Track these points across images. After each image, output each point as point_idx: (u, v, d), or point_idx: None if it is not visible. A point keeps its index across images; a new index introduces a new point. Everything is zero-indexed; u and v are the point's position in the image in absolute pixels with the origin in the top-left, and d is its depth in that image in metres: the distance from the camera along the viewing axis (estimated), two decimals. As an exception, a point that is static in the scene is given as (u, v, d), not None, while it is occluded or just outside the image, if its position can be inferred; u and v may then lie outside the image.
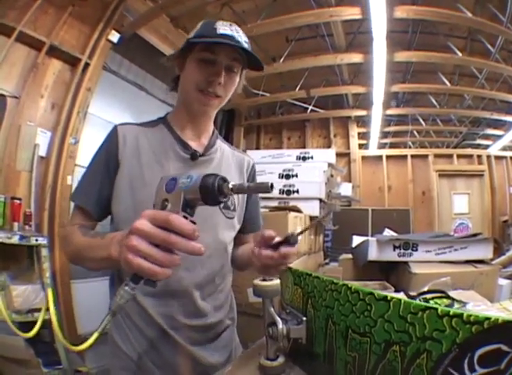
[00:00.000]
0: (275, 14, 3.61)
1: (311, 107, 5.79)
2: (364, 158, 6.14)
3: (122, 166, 0.97)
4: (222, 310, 1.09)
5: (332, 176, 3.78)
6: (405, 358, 0.53)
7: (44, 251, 2.44)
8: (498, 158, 5.97)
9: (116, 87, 3.92)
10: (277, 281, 0.79)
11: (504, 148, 6.20)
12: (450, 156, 5.96)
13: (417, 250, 1.63)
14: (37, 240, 2.41)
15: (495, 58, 4.26)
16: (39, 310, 2.29)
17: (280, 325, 0.75)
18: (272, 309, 0.78)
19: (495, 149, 6.24)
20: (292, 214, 2.73)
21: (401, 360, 0.53)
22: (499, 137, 6.09)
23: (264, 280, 0.79)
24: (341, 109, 5.94)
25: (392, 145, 6.84)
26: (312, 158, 3.75)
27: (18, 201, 2.67)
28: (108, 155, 0.98)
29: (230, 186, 0.58)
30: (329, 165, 3.71)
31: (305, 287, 0.78)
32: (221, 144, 1.15)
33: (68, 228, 0.97)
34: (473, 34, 4.44)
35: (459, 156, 5.94)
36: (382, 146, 6.56)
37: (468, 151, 6.17)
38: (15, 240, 2.30)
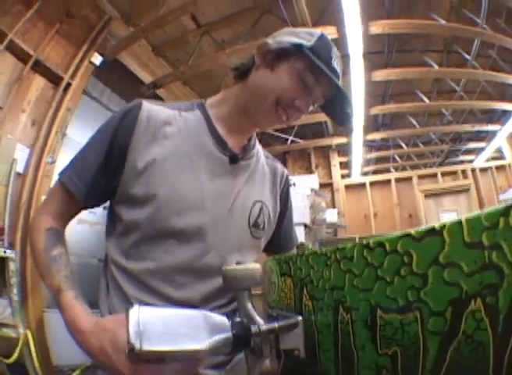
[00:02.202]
0: (254, 39, 3.52)
1: (291, 138, 5.64)
2: (347, 186, 6.00)
3: (134, 155, 0.72)
4: None
5: (315, 202, 3.60)
6: (498, 314, 0.27)
7: (12, 266, 2.26)
8: (483, 170, 5.84)
9: (97, 114, 3.77)
10: (256, 265, 0.51)
11: (488, 160, 6.08)
12: (435, 175, 5.83)
13: None
14: (5, 252, 2.24)
15: (472, 65, 4.20)
16: (5, 325, 2.09)
17: (264, 327, 0.47)
18: (251, 306, 0.49)
19: (479, 162, 6.11)
20: None
21: (491, 323, 0.27)
22: (482, 149, 5.98)
23: (238, 263, 0.52)
24: (321, 138, 5.81)
25: (375, 172, 6.70)
26: (294, 185, 3.56)
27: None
28: (118, 136, 0.73)
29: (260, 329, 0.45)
30: (312, 190, 3.52)
31: (297, 274, 0.50)
32: (258, 148, 0.91)
33: (37, 220, 0.74)
34: (449, 46, 4.45)
35: (443, 174, 5.82)
36: (364, 174, 6.43)
37: (452, 167, 6.05)
38: None
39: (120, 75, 3.84)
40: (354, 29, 3.30)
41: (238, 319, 0.46)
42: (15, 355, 2.05)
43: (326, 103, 0.80)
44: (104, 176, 0.73)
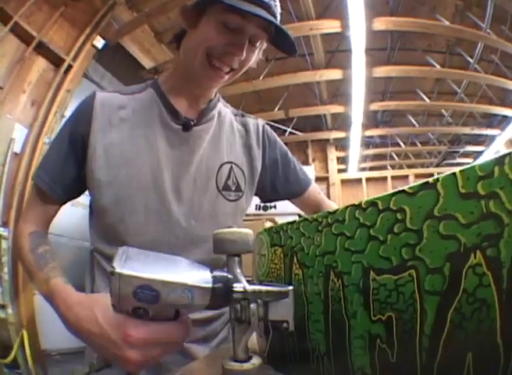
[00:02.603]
0: None
1: (289, 129, 5.61)
2: (343, 181, 5.96)
3: (94, 141, 0.73)
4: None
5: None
6: (501, 267, 0.25)
7: (4, 244, 2.23)
8: (480, 173, 5.80)
9: None
10: (248, 231, 0.49)
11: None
12: (431, 175, 5.66)
13: None
14: None
15: (474, 68, 4.19)
16: None
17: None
18: (240, 272, 0.47)
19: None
20: (269, 223, 2.49)
21: (494, 277, 0.26)
22: (480, 153, 5.98)
23: (229, 227, 0.49)
24: (319, 132, 5.78)
25: (372, 168, 6.66)
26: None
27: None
28: (77, 127, 0.75)
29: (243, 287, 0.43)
30: None
31: (288, 243, 0.48)
32: (222, 109, 0.88)
33: (19, 228, 0.76)
34: (452, 48, 4.42)
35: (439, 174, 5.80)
36: (361, 170, 6.40)
37: (449, 169, 5.99)
38: None
39: (121, 60, 3.81)
40: (358, 24, 3.28)
41: (222, 273, 0.45)
42: (11, 356, 2.05)
43: (274, 36, 0.74)
44: (72, 167, 0.75)
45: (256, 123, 0.94)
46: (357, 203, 0.36)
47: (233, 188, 0.81)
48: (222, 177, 0.80)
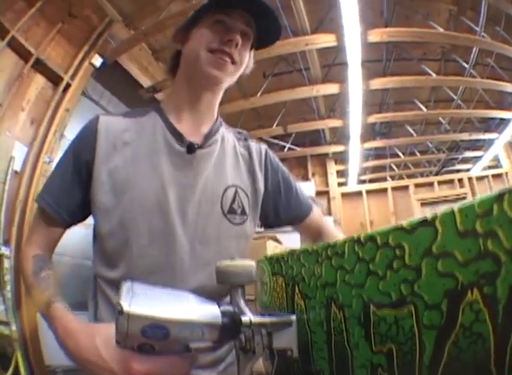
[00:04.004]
0: None
1: (288, 145, 5.67)
2: (343, 195, 5.97)
3: (98, 167, 0.74)
4: None
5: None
6: (497, 304, 0.26)
7: (7, 263, 2.26)
8: (479, 178, 5.81)
9: None
10: (251, 262, 0.50)
11: (484, 168, 6.08)
12: (431, 184, 5.83)
13: None
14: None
15: (470, 74, 4.24)
16: None
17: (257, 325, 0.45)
18: (244, 303, 0.48)
19: (476, 171, 6.09)
20: (271, 242, 2.47)
21: (490, 313, 0.26)
22: (479, 158, 5.99)
23: (232, 259, 0.50)
24: (318, 146, 5.82)
25: (372, 180, 6.65)
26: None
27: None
28: (81, 152, 0.76)
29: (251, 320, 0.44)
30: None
31: (289, 273, 0.49)
32: (224, 133, 0.89)
33: (23, 250, 0.77)
34: (447, 55, 4.46)
35: (440, 183, 5.82)
36: (361, 182, 6.40)
37: (449, 176, 6.04)
38: None
39: (120, 78, 3.83)
40: (353, 37, 3.33)
41: (229, 308, 0.45)
42: (10, 371, 2.06)
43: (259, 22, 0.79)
44: (77, 191, 0.76)
45: (259, 147, 0.94)
46: (356, 237, 0.37)
47: (239, 212, 0.81)
48: (227, 200, 0.79)
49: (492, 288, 0.26)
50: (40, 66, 3.08)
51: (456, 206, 0.29)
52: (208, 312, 0.44)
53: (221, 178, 0.81)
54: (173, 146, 0.78)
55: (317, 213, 0.98)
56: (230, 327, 0.43)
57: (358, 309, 0.36)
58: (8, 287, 2.21)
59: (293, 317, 0.46)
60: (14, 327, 2.14)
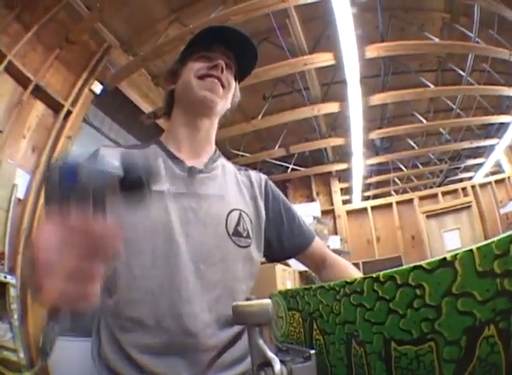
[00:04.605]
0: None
1: (291, 166, 5.75)
2: (349, 212, 6.00)
3: None
4: (244, 362, 0.77)
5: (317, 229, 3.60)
6: (510, 337, 0.29)
7: (13, 291, 2.24)
8: (483, 185, 5.80)
9: (98, 143, 3.70)
10: (267, 301, 0.51)
11: (487, 175, 6.09)
12: (435, 196, 5.84)
13: None
14: (5, 277, 2.24)
15: (467, 82, 4.29)
16: (6, 348, 2.09)
17: (277, 365, 0.44)
18: (262, 342, 0.49)
19: (478, 178, 6.11)
20: (279, 266, 2.48)
21: (504, 345, 0.29)
22: (481, 165, 6.04)
23: (248, 299, 0.51)
24: (321, 165, 5.88)
25: (376, 196, 6.70)
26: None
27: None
28: None
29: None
30: (314, 218, 3.53)
31: (305, 309, 0.50)
32: (224, 163, 0.94)
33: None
34: (443, 65, 4.53)
35: (444, 193, 5.83)
36: (365, 199, 6.44)
37: (452, 186, 6.05)
38: None
39: (120, 104, 3.86)
40: (351, 54, 3.40)
41: None
42: None
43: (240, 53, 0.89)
44: None
45: (259, 176, 0.98)
46: (374, 276, 0.38)
47: (244, 234, 0.81)
48: (231, 223, 0.80)
49: (506, 323, 0.29)
50: (39, 93, 3.11)
51: (474, 246, 0.31)
52: None
53: (224, 201, 0.83)
54: (174, 171, 0.81)
55: (319, 241, 0.99)
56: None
57: (379, 346, 0.37)
58: (16, 316, 2.20)
59: (313, 351, 0.47)
60: (22, 354, 2.13)
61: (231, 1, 3.42)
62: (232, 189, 0.88)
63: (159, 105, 3.84)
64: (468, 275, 0.31)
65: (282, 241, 0.92)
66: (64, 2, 3.34)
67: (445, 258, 0.32)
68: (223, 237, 0.78)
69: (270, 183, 0.99)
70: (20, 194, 2.87)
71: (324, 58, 3.47)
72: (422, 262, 0.34)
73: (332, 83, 4.26)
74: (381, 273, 0.37)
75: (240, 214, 0.83)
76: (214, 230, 0.78)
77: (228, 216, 0.81)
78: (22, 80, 2.97)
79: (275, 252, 0.93)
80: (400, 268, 0.36)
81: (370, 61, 3.60)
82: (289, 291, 0.54)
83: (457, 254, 0.32)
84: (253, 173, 0.97)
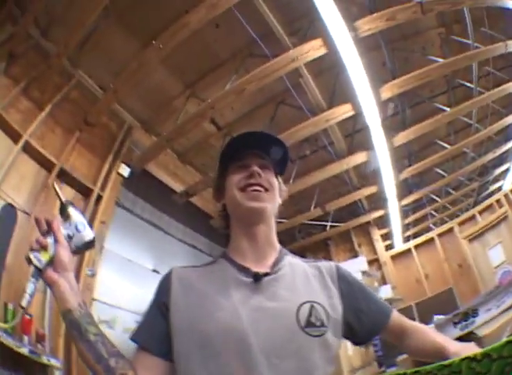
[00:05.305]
0: (275, 132, 3.62)
1: (329, 223, 5.82)
2: (393, 257, 5.96)
3: (175, 302, 0.85)
4: None
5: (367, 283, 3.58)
6: None
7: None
8: (514, 190, 5.61)
9: (132, 225, 3.87)
10: None
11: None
12: (473, 217, 5.69)
13: (477, 314, 1.64)
14: (48, 360, 2.28)
15: (477, 92, 4.27)
16: None
17: None
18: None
19: (508, 184, 6.00)
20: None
21: None
22: (507, 170, 5.94)
23: None
24: (359, 217, 5.92)
25: (417, 234, 6.57)
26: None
27: (28, 317, 2.52)
28: (160, 294, 0.88)
29: None
30: (363, 273, 3.50)
31: None
32: (290, 260, 0.97)
33: None
34: (451, 82, 4.54)
35: (481, 212, 5.67)
36: (406, 240, 6.38)
37: (486, 202, 5.87)
38: (24, 351, 2.19)
39: (149, 184, 3.94)
40: (368, 100, 3.45)
41: None
42: None
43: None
44: (160, 322, 0.83)
45: (328, 264, 1.00)
46: (472, 356, 0.43)
47: (318, 324, 0.83)
48: (303, 316, 0.82)
49: None
50: (65, 177, 3.14)
51: None
52: None
53: (293, 297, 0.85)
54: (240, 279, 0.85)
55: (395, 312, 1.00)
56: None
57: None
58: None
59: None
60: None
61: (243, 69, 3.55)
62: (301, 283, 0.90)
63: (189, 183, 3.95)
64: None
65: (363, 321, 0.93)
66: (74, 81, 3.53)
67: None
68: (294, 331, 0.79)
69: (340, 267, 1.01)
70: (56, 276, 2.89)
71: (343, 111, 3.53)
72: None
73: (354, 133, 4.30)
74: (478, 353, 0.43)
75: (312, 305, 0.84)
76: (284, 325, 0.80)
77: (298, 310, 0.82)
78: (44, 163, 3.01)
79: (358, 335, 0.94)
80: (494, 345, 0.41)
81: (385, 101, 3.63)
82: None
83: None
84: (322, 263, 1.00)
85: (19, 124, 2.88)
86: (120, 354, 0.79)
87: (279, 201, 0.96)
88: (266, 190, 0.90)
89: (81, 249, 0.82)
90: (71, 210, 0.84)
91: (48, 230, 0.78)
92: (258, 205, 0.88)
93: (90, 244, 0.83)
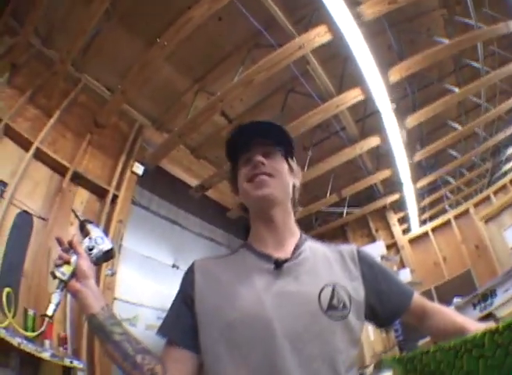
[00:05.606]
0: (286, 121, 3.68)
1: (345, 209, 5.85)
2: (410, 241, 5.94)
3: (200, 300, 0.87)
4: None
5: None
6: None
7: None
8: (528, 168, 5.57)
9: (149, 222, 3.92)
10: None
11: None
12: (488, 198, 5.64)
13: (496, 295, 1.67)
14: (71, 362, 2.29)
15: (485, 71, 4.24)
16: None
17: None
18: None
19: None
20: None
21: None
22: None
23: None
24: (375, 201, 5.92)
25: (433, 216, 6.54)
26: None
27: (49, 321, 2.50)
28: (184, 289, 0.91)
29: None
30: (382, 257, 3.51)
31: (425, 370, 0.59)
32: (311, 244, 0.99)
33: None
34: (458, 62, 4.51)
35: (495, 193, 5.63)
36: (423, 223, 6.34)
37: (501, 182, 5.83)
38: (45, 355, 2.19)
39: (164, 180, 3.96)
40: (377, 84, 3.43)
41: None
42: None
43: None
44: (186, 315, 0.86)
45: (349, 247, 1.02)
46: (494, 328, 0.44)
47: (340, 307, 0.84)
48: (325, 299, 0.83)
49: None
50: (79, 180, 3.19)
51: None
52: None
53: (315, 281, 0.87)
54: (262, 266, 0.88)
55: (417, 294, 1.01)
56: None
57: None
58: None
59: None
60: None
61: (249, 60, 3.56)
62: (323, 267, 0.91)
63: (203, 177, 3.95)
64: None
65: (385, 303, 0.94)
66: (81, 85, 3.56)
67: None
68: (317, 314, 0.81)
69: (361, 250, 1.02)
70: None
71: (353, 95, 3.52)
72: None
73: (365, 118, 4.28)
74: (499, 325, 0.44)
75: (334, 288, 0.86)
76: (306, 309, 0.81)
77: (320, 293, 0.84)
78: (57, 168, 3.05)
79: (381, 316, 0.95)
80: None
81: (394, 84, 3.61)
82: (405, 357, 0.63)
83: None
84: (342, 247, 1.01)
85: (29, 132, 2.93)
86: (146, 350, 0.82)
87: (291, 184, 0.99)
88: (271, 176, 0.92)
89: (101, 259, 0.91)
90: (89, 227, 0.94)
91: (69, 246, 0.86)
92: (263, 191, 0.91)
93: (109, 254, 0.91)
